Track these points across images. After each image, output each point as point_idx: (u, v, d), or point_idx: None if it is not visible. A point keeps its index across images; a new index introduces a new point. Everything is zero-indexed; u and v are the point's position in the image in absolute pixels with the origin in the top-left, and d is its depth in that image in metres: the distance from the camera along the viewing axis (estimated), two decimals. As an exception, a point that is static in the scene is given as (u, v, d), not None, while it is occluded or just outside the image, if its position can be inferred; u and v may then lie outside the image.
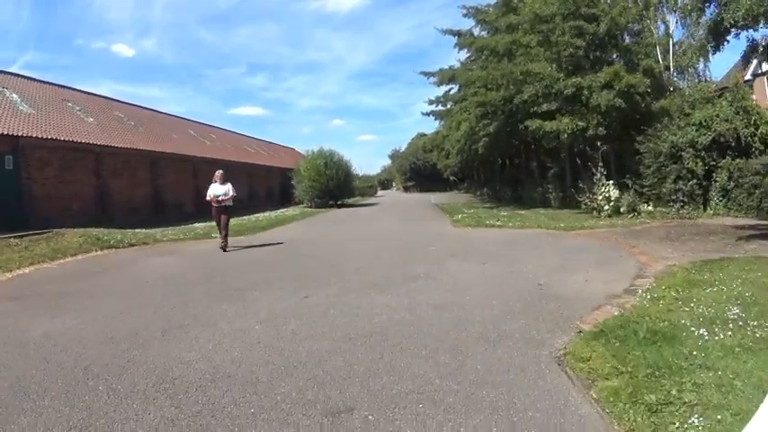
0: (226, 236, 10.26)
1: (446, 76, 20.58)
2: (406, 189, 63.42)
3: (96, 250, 11.91)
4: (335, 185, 28.15)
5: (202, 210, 26.39)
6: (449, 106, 23.89)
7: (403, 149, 70.33)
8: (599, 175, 15.34)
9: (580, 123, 15.02)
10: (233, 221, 18.77)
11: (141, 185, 21.85)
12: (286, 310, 4.79)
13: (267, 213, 24.75)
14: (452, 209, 21.97)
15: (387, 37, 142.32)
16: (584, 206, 17.21)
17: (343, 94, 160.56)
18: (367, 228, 14.65)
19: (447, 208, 22.93)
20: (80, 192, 18.99)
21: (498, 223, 12.76)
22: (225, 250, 9.95)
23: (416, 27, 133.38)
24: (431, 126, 70.01)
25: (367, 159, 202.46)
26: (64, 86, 25.36)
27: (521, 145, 25.90)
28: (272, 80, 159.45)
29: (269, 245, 10.92)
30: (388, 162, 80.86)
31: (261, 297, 5.53)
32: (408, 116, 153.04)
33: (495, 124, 18.81)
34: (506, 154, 30.52)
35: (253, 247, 10.47)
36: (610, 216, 14.70)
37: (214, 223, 18.79)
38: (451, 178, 57.72)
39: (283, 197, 34.19)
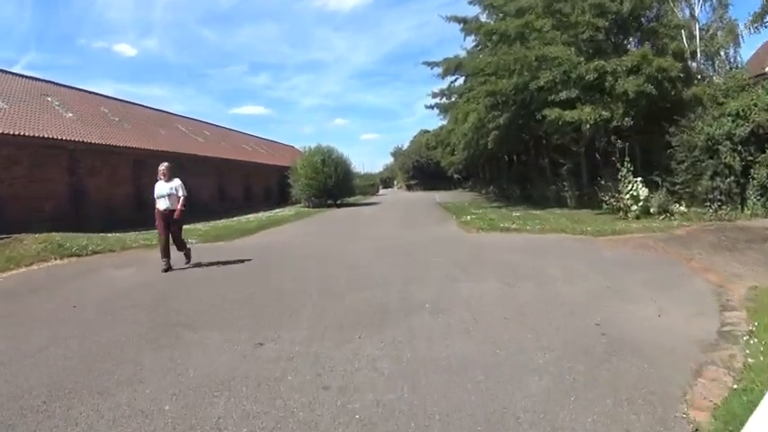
0: (186, 254, 7.95)
1: (452, 66, 18.89)
2: (409, 188, 61.61)
3: (55, 259, 10.37)
4: (334, 184, 26.54)
5: (191, 210, 24.93)
6: (454, 99, 22.20)
7: (405, 147, 68.59)
8: (625, 171, 13.66)
9: (604, 113, 13.33)
10: (216, 225, 17.59)
11: (122, 184, 20.30)
12: (222, 371, 3.18)
13: (261, 214, 23.20)
14: (458, 209, 20.31)
15: (388, 36, 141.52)
16: (605, 206, 15.56)
17: (345, 93, 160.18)
18: (363, 231, 13.03)
19: (452, 207, 21.28)
20: (54, 191, 17.46)
21: (514, 226, 11.10)
22: (170, 269, 7.37)
23: (418, 26, 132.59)
24: (434, 123, 68.30)
25: (370, 158, 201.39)
26: (47, 81, 23.91)
27: (530, 140, 24.21)
28: (274, 79, 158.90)
29: (246, 253, 9.31)
30: (390, 160, 79.20)
31: (202, 340, 3.93)
32: (411, 115, 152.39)
33: (505, 116, 17.13)
34: (514, 150, 28.84)
35: (224, 263, 8.65)
36: (638, 217, 13.06)
37: (194, 227, 17.44)
38: (455, 176, 56.00)
39: (282, 196, 32.63)
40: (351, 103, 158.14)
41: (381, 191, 65.41)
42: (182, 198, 7.71)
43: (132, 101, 29.52)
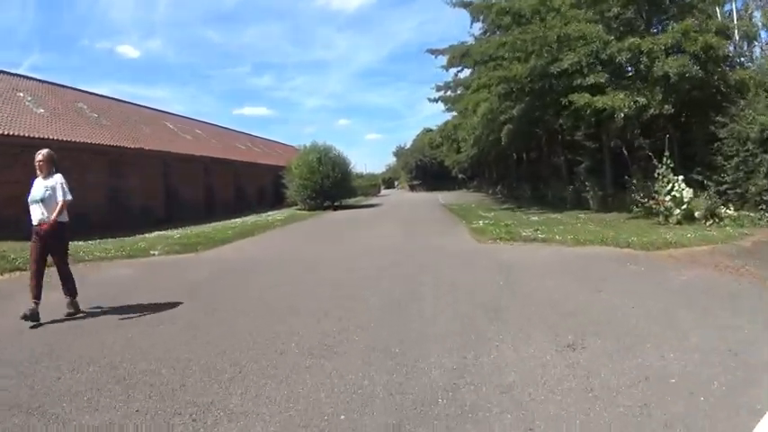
0: (71, 298, 4.91)
1: (458, 54, 16.90)
2: (412, 188, 59.52)
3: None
4: (331, 184, 24.57)
5: (174, 214, 23.10)
6: (459, 92, 20.21)
7: (408, 146, 66.49)
8: (663, 168, 11.65)
9: (640, 99, 11.32)
10: (194, 231, 15.65)
11: (95, 187, 18.39)
12: None
13: (250, 217, 21.32)
14: (466, 211, 18.33)
15: (392, 35, 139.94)
16: (636, 209, 13.57)
17: (348, 93, 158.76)
18: (357, 241, 11.04)
19: (459, 210, 19.30)
20: (18, 194, 15.49)
21: (541, 236, 9.09)
22: (37, 319, 4.47)
23: (421, 25, 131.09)
24: (438, 122, 66.19)
25: (373, 158, 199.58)
26: (20, 76, 22.14)
27: (543, 135, 22.22)
28: (277, 80, 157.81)
29: (193, 278, 7.35)
30: (393, 160, 77.11)
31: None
32: (414, 115, 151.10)
33: (519, 107, 15.14)
34: (526, 147, 26.83)
35: (137, 311, 6.29)
36: (679, 223, 11.10)
37: (172, 233, 15.52)
38: (460, 176, 53.97)
39: (277, 198, 30.75)
40: (354, 104, 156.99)
41: (383, 191, 63.43)
42: (59, 204, 4.75)
43: (117, 97, 27.62)
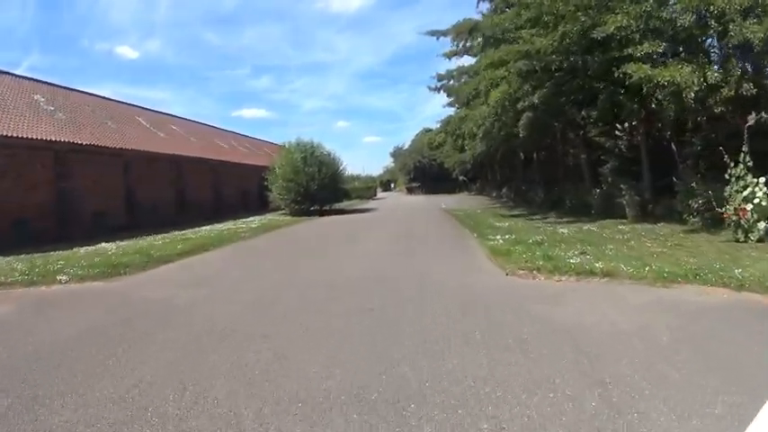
0: None
1: (464, 29, 14.04)
2: (410, 190, 56.48)
3: None
4: (319, 186, 21.63)
5: (137, 220, 20.15)
6: (463, 80, 17.33)
7: (406, 147, 63.50)
8: (740, 168, 8.77)
9: (711, 75, 8.45)
10: (140, 243, 12.06)
11: (38, 188, 15.46)
12: None
13: (224, 224, 18.41)
14: (474, 219, 15.45)
15: (392, 38, 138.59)
16: (692, 218, 10.75)
17: (348, 96, 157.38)
18: (330, 268, 8.09)
19: (466, 217, 16.41)
20: None
21: (598, 264, 6.15)
22: None
23: (422, 27, 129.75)
24: (439, 117, 63.18)
25: (372, 161, 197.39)
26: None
27: (558, 131, 19.36)
28: (276, 82, 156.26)
29: (66, 335, 4.43)
30: (391, 162, 74.03)
31: None
32: (414, 117, 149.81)
33: (540, 92, 12.25)
34: (536, 145, 23.96)
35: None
36: (761, 240, 8.29)
37: (113, 245, 12.59)
38: (461, 178, 51.10)
39: (263, 202, 27.84)
40: (353, 106, 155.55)
41: (380, 194, 60.50)
42: None
43: (87, 91, 24.59)
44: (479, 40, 14.12)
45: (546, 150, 26.00)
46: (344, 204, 33.27)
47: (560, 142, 21.28)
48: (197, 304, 5.49)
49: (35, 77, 21.74)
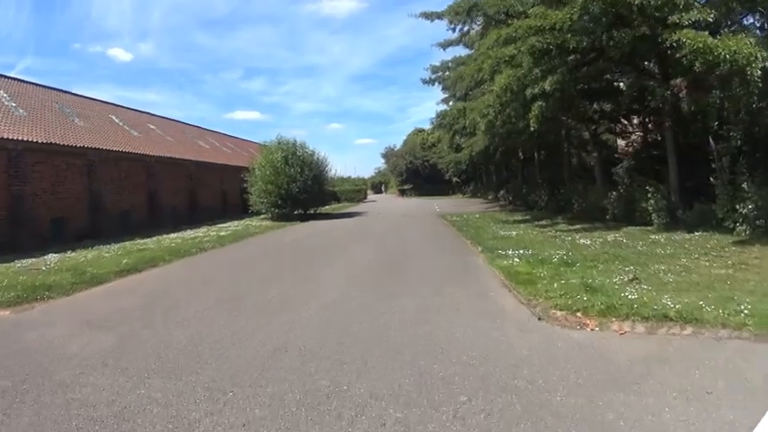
0: None
1: (462, 10, 12.18)
2: (402, 193, 54.45)
3: None
4: (301, 189, 19.61)
5: (100, 227, 18.02)
6: (462, 69, 15.45)
7: (398, 148, 61.50)
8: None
9: (781, 49, 6.66)
10: (72, 257, 9.87)
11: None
12: None
13: (195, 232, 16.48)
14: (473, 226, 13.59)
15: (384, 40, 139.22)
16: (738, 226, 9.00)
17: (340, 98, 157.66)
18: (288, 299, 6.14)
19: (464, 224, 14.55)
20: None
21: (668, 303, 4.26)
22: None
23: (413, 29, 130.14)
24: (432, 118, 61.28)
25: (364, 163, 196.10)
26: None
27: (567, 126, 17.57)
28: (269, 84, 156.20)
29: None
30: (383, 164, 72.05)
31: None
32: (406, 119, 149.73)
33: (552, 78, 10.37)
34: (536, 143, 22.19)
35: None
36: None
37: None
38: (455, 180, 49.34)
39: (245, 205, 25.79)
40: (346, 108, 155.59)
41: (371, 196, 58.55)
42: None
43: (57, 87, 22.30)
44: (480, 20, 12.28)
45: (547, 149, 24.28)
46: (332, 208, 31.29)
47: (565, 140, 19.51)
48: (84, 369, 3.48)
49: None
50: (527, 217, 17.08)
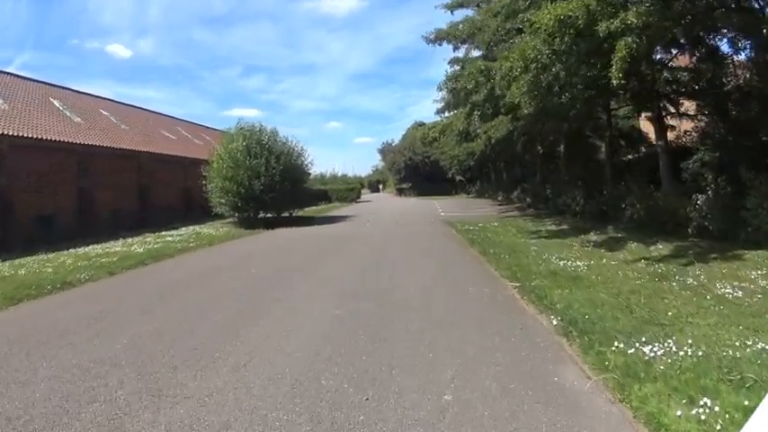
0: None
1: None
2: (400, 192, 49.82)
3: None
4: (267, 186, 15.22)
5: (9, 236, 13.67)
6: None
7: (396, 143, 56.85)
8: None
9: None
10: None
11: None
12: None
13: (122, 242, 12.34)
14: (499, 244, 9.27)
15: (384, 38, 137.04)
16: None
17: (339, 96, 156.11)
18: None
19: (482, 238, 10.22)
20: None
21: None
22: None
23: (414, 28, 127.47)
24: (431, 118, 56.71)
25: (363, 161, 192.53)
26: None
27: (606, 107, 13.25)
28: (268, 82, 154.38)
29: None
30: (380, 161, 67.27)
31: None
32: (405, 117, 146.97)
33: (639, 8, 6.09)
34: (566, 132, 17.84)
35: None
36: None
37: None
38: (458, 178, 44.90)
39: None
40: (345, 107, 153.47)
41: (367, 195, 54.13)
42: None
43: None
44: None
45: (575, 140, 19.94)
46: (316, 210, 26.86)
47: (607, 126, 15.15)
48: None
49: None
50: (563, 227, 12.74)
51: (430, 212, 21.21)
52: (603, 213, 14.18)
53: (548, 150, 23.56)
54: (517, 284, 5.60)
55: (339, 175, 55.14)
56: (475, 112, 10.16)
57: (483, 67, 8.74)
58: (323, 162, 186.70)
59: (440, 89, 9.54)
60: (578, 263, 6.66)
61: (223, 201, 15.98)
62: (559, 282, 5.44)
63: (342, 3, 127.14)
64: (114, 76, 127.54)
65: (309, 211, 25.31)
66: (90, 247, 11.87)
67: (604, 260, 6.96)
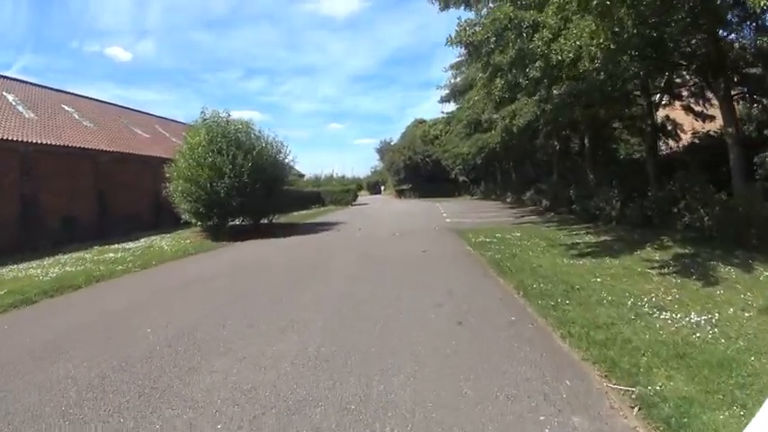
0: None
1: None
2: (400, 194, 46.83)
3: None
4: (236, 189, 12.48)
5: None
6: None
7: (395, 142, 53.86)
8: None
9: None
10: None
11: None
12: None
13: (57, 260, 9.51)
14: (531, 265, 6.56)
15: (384, 40, 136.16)
16: None
17: (340, 98, 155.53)
18: None
19: (507, 256, 7.48)
20: None
21: None
22: None
23: (415, 30, 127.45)
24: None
25: (363, 162, 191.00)
26: None
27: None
28: (269, 84, 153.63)
29: None
30: (378, 161, 64.20)
31: None
32: (406, 118, 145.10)
33: None
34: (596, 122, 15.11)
35: None
36: None
37: None
38: (461, 179, 42.01)
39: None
40: (346, 108, 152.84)
41: (364, 197, 51.35)
42: None
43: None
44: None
45: (599, 132, 17.20)
46: (301, 216, 24.02)
47: (647, 114, 12.40)
48: None
49: None
50: (605, 238, 9.97)
51: (433, 218, 18.41)
52: (648, 219, 11.48)
53: (563, 146, 20.85)
54: (640, 409, 2.71)
55: (339, 176, 52.21)
56: (497, 80, 7.40)
57: (513, 16, 6.04)
58: (324, 164, 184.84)
59: (450, 43, 6.73)
60: (694, 316, 3.87)
61: (186, 206, 13.22)
62: (722, 392, 2.65)
63: (342, 4, 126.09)
64: (114, 78, 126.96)
65: (296, 216, 22.54)
66: (43, 261, 9.19)
67: (731, 309, 4.19)
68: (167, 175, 14.28)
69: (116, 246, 12.77)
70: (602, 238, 10.13)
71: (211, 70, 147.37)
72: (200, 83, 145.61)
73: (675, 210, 10.85)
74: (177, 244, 12.40)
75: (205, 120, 13.25)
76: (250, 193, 12.51)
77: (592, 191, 14.08)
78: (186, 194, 12.79)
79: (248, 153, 12.57)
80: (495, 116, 11.19)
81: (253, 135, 13.62)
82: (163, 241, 13.27)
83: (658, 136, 19.20)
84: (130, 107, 28.50)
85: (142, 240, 14.15)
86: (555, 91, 9.46)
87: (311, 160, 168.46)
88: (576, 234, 10.82)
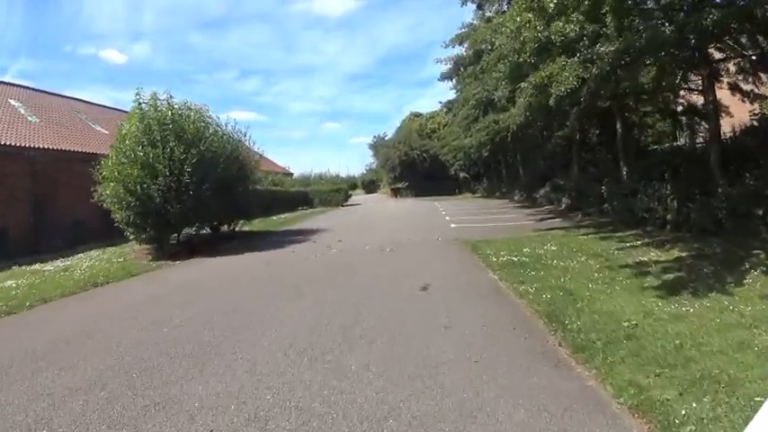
0: None
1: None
2: (395, 192, 43.64)
3: None
4: (168, 193, 9.55)
5: None
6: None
7: (390, 137, 50.68)
8: None
9: None
10: None
11: None
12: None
13: None
14: (610, 316, 3.77)
15: (379, 38, 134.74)
16: None
17: (336, 97, 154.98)
18: None
19: (560, 294, 4.66)
20: None
21: None
22: None
23: (409, 28, 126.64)
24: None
25: (358, 161, 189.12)
26: None
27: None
28: (264, 84, 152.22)
29: None
30: (371, 158, 60.93)
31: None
32: (402, 116, 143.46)
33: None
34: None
35: None
36: None
37: None
38: (461, 176, 39.09)
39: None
40: (342, 108, 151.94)
41: (358, 197, 48.41)
42: None
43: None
44: None
45: (628, 117, 14.35)
46: (280, 220, 20.97)
47: (710, 90, 9.56)
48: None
49: None
50: (678, 253, 7.11)
51: (434, 223, 15.49)
52: (718, 224, 8.67)
53: (581, 136, 18.04)
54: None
55: (334, 175, 48.94)
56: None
57: None
58: (320, 164, 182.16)
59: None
60: None
61: (118, 215, 10.26)
62: None
63: (337, 3, 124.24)
64: (109, 81, 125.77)
65: (273, 221, 19.59)
66: None
67: None
68: (93, 176, 11.17)
69: (39, 266, 9.90)
70: (672, 252, 7.28)
71: (206, 71, 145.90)
72: (196, 84, 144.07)
73: (760, 212, 8.14)
74: (103, 264, 9.48)
75: (140, 104, 10.25)
76: (194, 196, 9.56)
77: (633, 187, 11.20)
78: (117, 200, 9.84)
79: (191, 146, 9.62)
80: (523, 84, 8.28)
81: (201, 124, 10.64)
82: (91, 260, 10.35)
83: (697, 121, 16.42)
84: (114, 106, 25.37)
85: (77, 256, 11.34)
86: (605, 47, 6.62)
87: (308, 160, 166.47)
88: (632, 246, 7.93)
